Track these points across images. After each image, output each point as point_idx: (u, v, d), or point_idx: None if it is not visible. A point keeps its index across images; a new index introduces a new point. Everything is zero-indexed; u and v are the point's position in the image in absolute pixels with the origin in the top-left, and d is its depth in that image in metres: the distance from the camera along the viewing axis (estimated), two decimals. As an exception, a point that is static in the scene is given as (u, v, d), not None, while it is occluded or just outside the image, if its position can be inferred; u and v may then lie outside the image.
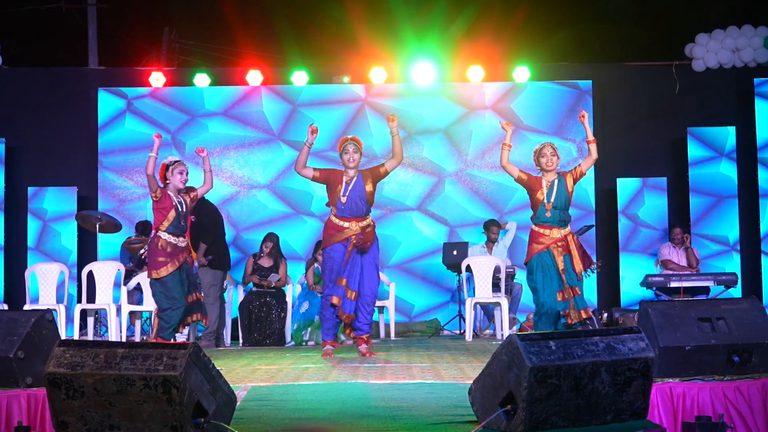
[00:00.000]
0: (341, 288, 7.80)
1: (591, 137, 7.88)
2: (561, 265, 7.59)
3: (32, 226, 11.79)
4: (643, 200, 11.81)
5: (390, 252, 11.90)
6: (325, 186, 8.04)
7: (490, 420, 4.09)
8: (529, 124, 12.20)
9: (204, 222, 9.81)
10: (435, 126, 12.27)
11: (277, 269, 10.35)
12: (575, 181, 7.79)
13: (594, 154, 7.85)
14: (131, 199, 12.06)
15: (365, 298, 7.87)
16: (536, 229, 7.76)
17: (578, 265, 7.62)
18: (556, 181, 7.75)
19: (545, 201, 7.70)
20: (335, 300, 7.79)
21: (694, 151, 11.84)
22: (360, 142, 8.00)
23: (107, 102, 12.13)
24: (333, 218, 7.93)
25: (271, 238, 10.50)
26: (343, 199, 7.81)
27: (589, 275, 7.77)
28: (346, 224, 7.85)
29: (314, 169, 7.95)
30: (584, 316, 7.58)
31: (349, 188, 7.84)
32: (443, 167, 12.20)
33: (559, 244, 7.67)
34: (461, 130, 12.25)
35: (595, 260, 7.94)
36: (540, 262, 7.67)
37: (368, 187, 7.89)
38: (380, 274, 11.17)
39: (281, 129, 12.23)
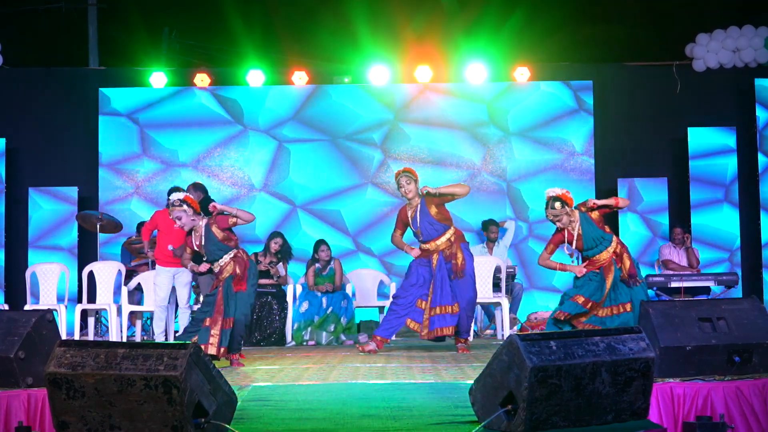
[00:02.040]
0: (419, 310, 8.31)
1: (612, 202, 7.55)
2: (609, 284, 7.30)
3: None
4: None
5: (391, 251, 11.88)
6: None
7: (490, 420, 4.09)
8: (530, 124, 12.20)
9: None
10: (435, 126, 12.26)
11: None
12: (593, 211, 7.47)
13: (622, 203, 7.62)
14: (132, 200, 12.05)
15: (462, 304, 8.29)
16: (589, 260, 7.48)
17: (627, 273, 7.34)
18: (579, 225, 7.41)
19: (574, 258, 7.69)
20: (412, 325, 8.34)
21: (694, 151, 11.86)
22: (413, 171, 8.35)
23: (108, 101, 12.15)
24: (421, 245, 8.43)
25: (279, 235, 10.49)
26: (418, 232, 8.33)
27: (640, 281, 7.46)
28: (426, 246, 8.34)
29: (399, 233, 8.52)
30: (560, 318, 7.30)
31: (417, 219, 8.27)
32: (445, 167, 12.19)
33: (610, 265, 7.35)
34: (460, 130, 12.25)
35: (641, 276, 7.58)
36: (587, 277, 7.41)
37: (432, 210, 8.26)
38: (381, 274, 11.25)
39: (281, 129, 12.24)
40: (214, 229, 7.68)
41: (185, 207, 7.64)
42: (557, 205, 7.40)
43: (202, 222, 7.71)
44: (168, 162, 12.13)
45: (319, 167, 12.19)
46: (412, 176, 8.29)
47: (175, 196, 7.79)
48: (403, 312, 8.29)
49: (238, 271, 7.56)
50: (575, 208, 7.48)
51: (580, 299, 7.28)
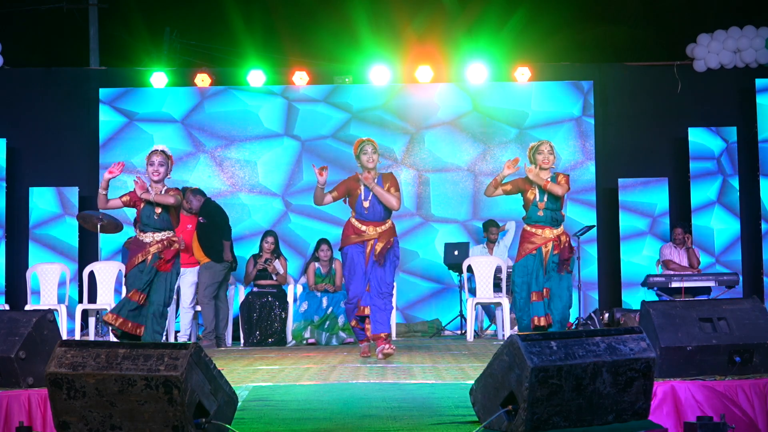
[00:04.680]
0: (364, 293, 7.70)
1: (543, 184, 7.63)
2: (545, 263, 7.58)
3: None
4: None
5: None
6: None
7: (491, 420, 4.09)
8: (530, 124, 12.20)
9: (218, 221, 9.93)
10: (435, 126, 12.26)
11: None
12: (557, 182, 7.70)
13: (558, 191, 7.67)
14: (132, 199, 12.05)
15: (379, 294, 7.68)
16: (528, 228, 7.70)
17: (563, 263, 7.59)
18: (549, 180, 7.65)
19: (537, 200, 7.61)
20: (367, 311, 7.68)
21: (695, 151, 11.85)
22: (376, 144, 7.79)
23: (108, 101, 12.15)
24: (353, 220, 7.81)
25: (272, 234, 10.52)
26: (366, 204, 7.72)
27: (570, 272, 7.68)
28: (364, 228, 7.75)
29: (332, 195, 7.77)
30: (541, 323, 7.49)
31: (371, 193, 7.71)
32: (443, 167, 12.19)
33: (550, 244, 7.61)
34: (461, 130, 12.24)
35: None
36: (525, 266, 7.62)
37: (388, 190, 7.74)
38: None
39: (283, 128, 12.24)
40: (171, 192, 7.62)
41: (168, 160, 7.61)
42: (552, 144, 7.68)
43: (163, 187, 7.63)
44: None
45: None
46: (376, 147, 7.75)
47: (163, 146, 7.72)
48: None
49: (165, 254, 7.46)
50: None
51: (538, 296, 7.54)
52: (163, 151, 7.64)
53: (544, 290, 7.60)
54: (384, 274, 7.71)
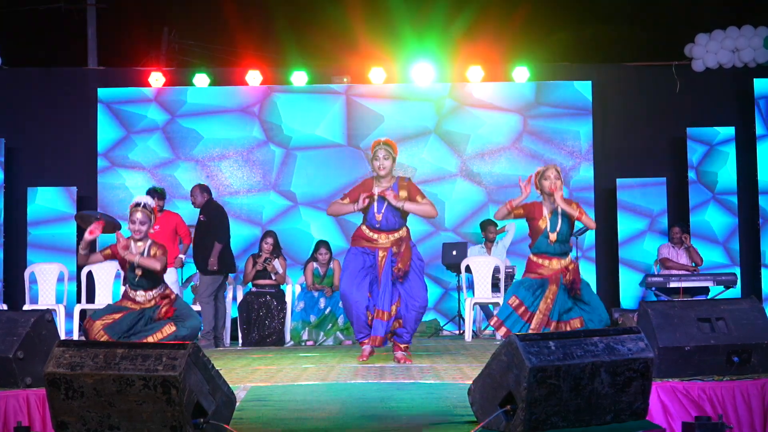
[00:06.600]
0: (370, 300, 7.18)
1: (575, 213, 6.96)
2: (550, 300, 6.85)
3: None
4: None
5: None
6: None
7: (489, 420, 4.09)
8: (529, 124, 12.20)
9: (216, 223, 9.92)
10: (435, 125, 12.26)
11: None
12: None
13: (592, 225, 7.16)
14: (131, 199, 12.04)
15: (412, 308, 7.20)
16: (534, 258, 7.04)
17: (574, 288, 6.90)
18: (560, 208, 6.98)
19: (548, 230, 6.95)
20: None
21: (693, 151, 11.86)
22: (394, 146, 7.23)
23: (107, 101, 12.15)
24: (363, 228, 7.33)
25: (271, 234, 10.52)
26: (378, 217, 7.21)
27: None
28: (376, 236, 7.26)
29: (344, 204, 7.30)
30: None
31: (384, 205, 7.19)
32: (443, 167, 12.19)
33: (558, 276, 6.91)
34: (461, 130, 12.24)
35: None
36: (530, 283, 6.95)
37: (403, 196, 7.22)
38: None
39: (282, 128, 12.24)
40: (155, 251, 7.03)
41: (151, 216, 7.11)
42: (558, 168, 7.02)
43: (147, 242, 7.10)
44: (168, 162, 12.12)
45: (326, 170, 12.15)
46: (392, 151, 7.17)
47: (145, 199, 7.20)
48: (362, 306, 7.19)
49: (163, 312, 6.95)
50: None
51: (514, 301, 6.87)
52: (145, 206, 7.09)
53: (575, 321, 6.88)
54: (411, 288, 7.20)
